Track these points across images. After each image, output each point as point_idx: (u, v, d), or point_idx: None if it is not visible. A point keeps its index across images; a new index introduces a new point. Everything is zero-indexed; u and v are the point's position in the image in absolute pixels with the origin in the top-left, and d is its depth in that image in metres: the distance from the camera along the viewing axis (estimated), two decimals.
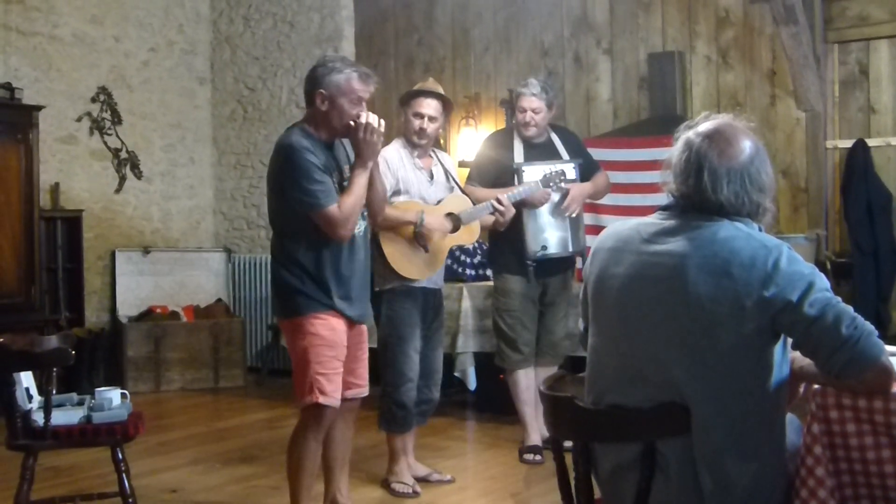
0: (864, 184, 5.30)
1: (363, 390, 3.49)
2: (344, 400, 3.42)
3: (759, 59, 5.81)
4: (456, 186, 4.19)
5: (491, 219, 4.23)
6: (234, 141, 7.50)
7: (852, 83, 5.55)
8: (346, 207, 3.16)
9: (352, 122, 3.19)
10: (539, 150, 4.51)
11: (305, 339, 3.22)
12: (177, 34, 7.38)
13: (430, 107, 3.97)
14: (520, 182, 4.37)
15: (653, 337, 1.98)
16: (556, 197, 4.41)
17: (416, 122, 3.96)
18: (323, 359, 3.21)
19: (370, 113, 3.23)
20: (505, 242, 4.47)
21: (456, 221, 4.05)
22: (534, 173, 4.40)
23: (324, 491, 3.56)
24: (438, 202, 4.07)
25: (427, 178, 4.06)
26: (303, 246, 3.22)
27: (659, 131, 5.23)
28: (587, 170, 4.57)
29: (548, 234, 4.44)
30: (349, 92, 3.20)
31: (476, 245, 5.83)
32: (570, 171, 4.49)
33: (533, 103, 4.42)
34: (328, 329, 3.23)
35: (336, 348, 3.25)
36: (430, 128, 3.98)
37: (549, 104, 4.46)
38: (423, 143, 4.02)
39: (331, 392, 3.22)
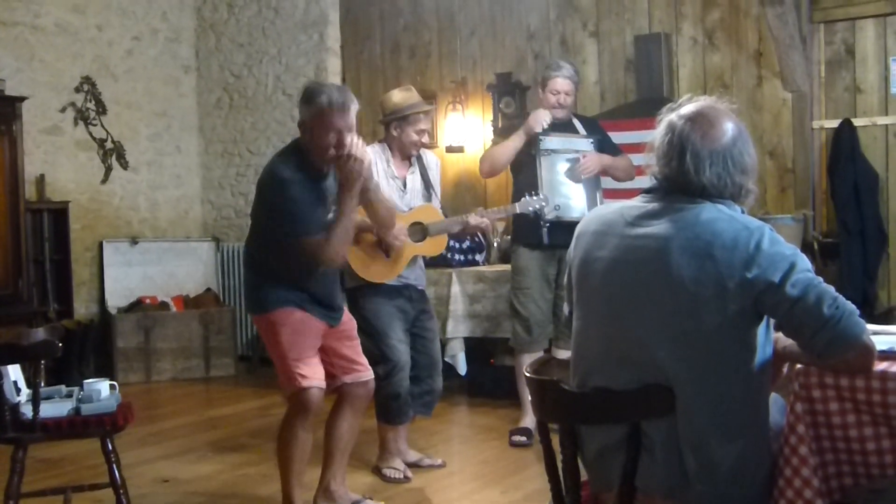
0: (850, 164, 5.30)
1: (364, 374, 3.52)
2: (347, 386, 3.46)
3: (746, 40, 5.81)
4: (433, 195, 4.20)
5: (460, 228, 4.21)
6: (221, 129, 7.46)
7: (838, 63, 5.55)
8: (336, 238, 3.17)
9: (332, 152, 3.16)
10: (560, 128, 4.61)
11: (274, 331, 3.28)
12: (160, 22, 7.32)
13: (427, 122, 4.15)
14: (536, 150, 4.49)
15: (637, 319, 1.99)
16: (570, 163, 4.51)
17: (417, 138, 4.07)
18: (297, 346, 3.27)
19: (353, 138, 3.17)
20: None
21: (423, 232, 4.08)
22: (552, 143, 4.52)
23: (319, 476, 3.59)
24: (409, 210, 4.08)
25: (399, 187, 4.09)
26: (278, 256, 3.27)
27: (645, 113, 5.19)
28: (607, 150, 4.67)
29: (563, 198, 4.50)
30: (328, 126, 3.16)
31: None
32: (588, 145, 4.61)
33: (565, 86, 4.57)
34: (295, 319, 3.28)
35: (304, 335, 3.30)
36: (427, 140, 4.16)
37: (577, 86, 4.68)
38: (417, 154, 4.15)
39: (311, 375, 3.28)
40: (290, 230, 3.16)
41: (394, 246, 3.91)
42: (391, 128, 4.07)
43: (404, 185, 4.11)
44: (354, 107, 3.23)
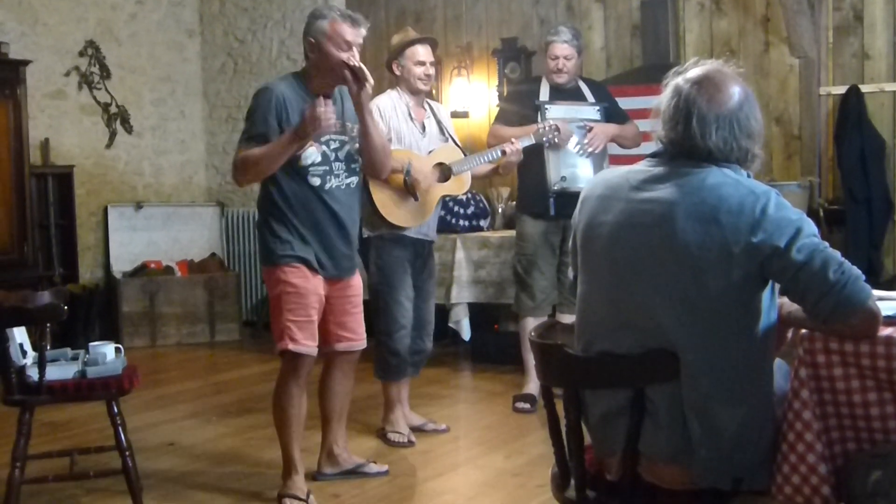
0: (857, 131, 5.26)
1: (356, 343, 3.48)
2: (337, 353, 3.45)
3: (753, 5, 5.74)
4: (450, 138, 4.18)
5: (488, 167, 4.24)
6: (225, 94, 7.42)
7: (846, 29, 5.49)
8: (249, 154, 3.13)
9: (346, 60, 3.15)
10: (565, 95, 4.57)
11: (278, 287, 3.26)
12: None
13: (428, 54, 4.07)
14: (542, 120, 4.42)
15: (641, 284, 1.99)
16: (578, 135, 4.46)
17: (421, 70, 4.03)
18: (293, 306, 3.24)
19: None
20: (528, 179, 4.56)
21: (446, 172, 4.07)
22: (557, 112, 4.47)
23: (321, 442, 3.61)
24: (429, 153, 4.06)
25: (419, 130, 4.08)
26: (278, 193, 3.26)
27: (651, 79, 5.14)
28: (615, 117, 4.62)
29: (569, 169, 4.47)
30: (334, 35, 3.20)
31: (469, 196, 5.83)
32: (594, 113, 4.57)
33: (565, 50, 4.50)
34: (299, 277, 3.25)
35: (307, 297, 3.26)
36: (433, 72, 4.10)
37: (579, 51, 4.58)
38: (427, 89, 4.11)
39: (301, 339, 3.24)
40: (242, 135, 3.19)
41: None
42: (394, 69, 4.08)
43: (423, 128, 4.09)
44: (364, 30, 3.25)
